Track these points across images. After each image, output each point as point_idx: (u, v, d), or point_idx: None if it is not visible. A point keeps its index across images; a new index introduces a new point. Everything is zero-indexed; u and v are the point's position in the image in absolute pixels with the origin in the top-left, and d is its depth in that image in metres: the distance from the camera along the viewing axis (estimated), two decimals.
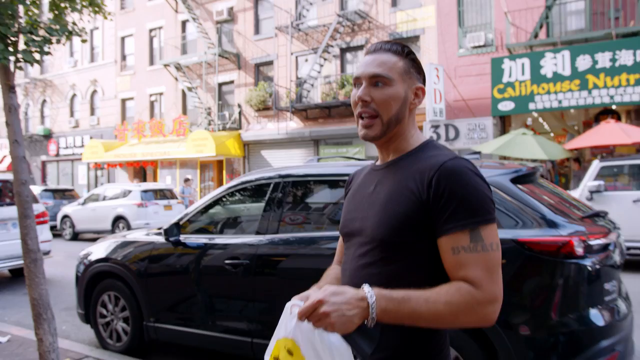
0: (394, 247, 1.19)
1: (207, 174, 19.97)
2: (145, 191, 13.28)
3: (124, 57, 23.56)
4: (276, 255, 3.57)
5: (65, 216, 14.35)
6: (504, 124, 13.93)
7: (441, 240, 1.14)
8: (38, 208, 8.22)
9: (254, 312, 3.60)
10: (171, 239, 3.95)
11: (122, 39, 23.45)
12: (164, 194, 13.84)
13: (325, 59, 16.62)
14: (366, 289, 1.08)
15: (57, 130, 26.36)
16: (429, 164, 1.18)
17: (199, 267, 3.91)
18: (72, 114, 25.91)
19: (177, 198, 14.10)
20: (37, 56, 3.62)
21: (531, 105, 12.11)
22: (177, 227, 4.01)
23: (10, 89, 3.58)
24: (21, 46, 3.60)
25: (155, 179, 21.40)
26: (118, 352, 4.41)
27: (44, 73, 27.06)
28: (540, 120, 14.42)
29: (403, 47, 1.28)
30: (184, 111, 20.75)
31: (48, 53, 3.73)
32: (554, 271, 2.73)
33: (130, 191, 13.40)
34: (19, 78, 28.11)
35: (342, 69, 16.96)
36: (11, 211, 7.78)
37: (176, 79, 20.56)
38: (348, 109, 16.54)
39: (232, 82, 19.32)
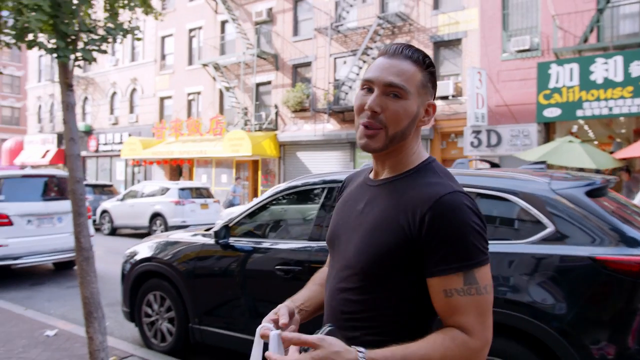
0: (374, 277, 1.12)
1: (242, 173, 20.09)
2: (182, 189, 13.41)
3: (163, 57, 23.96)
4: None
5: (105, 211, 14.63)
6: (548, 130, 13.50)
7: (432, 281, 1.08)
8: None
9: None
10: (220, 241, 3.90)
11: (162, 38, 23.87)
12: (200, 193, 13.96)
13: (364, 61, 16.48)
14: (358, 349, 1.00)
15: (97, 126, 27.02)
16: (423, 196, 1.09)
17: (247, 271, 3.84)
18: (112, 112, 26.51)
19: (213, 197, 14.19)
20: (95, 55, 3.64)
21: (579, 112, 11.68)
22: (226, 230, 3.96)
23: (68, 87, 3.59)
24: (78, 44, 3.62)
25: (191, 177, 21.67)
26: (162, 352, 4.40)
27: (86, 71, 27.79)
28: (586, 127, 13.92)
29: (424, 58, 1.17)
30: (221, 111, 20.94)
31: (105, 52, 3.74)
32: (634, 293, 2.54)
33: (168, 189, 13.56)
34: None
35: None
36: (57, 206, 7.94)
37: (214, 78, 20.76)
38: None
39: (269, 82, 19.39)
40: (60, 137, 29.33)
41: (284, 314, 1.20)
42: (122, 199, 14.51)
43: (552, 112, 12.09)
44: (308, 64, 18.40)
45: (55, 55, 3.37)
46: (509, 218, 3.04)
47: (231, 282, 3.97)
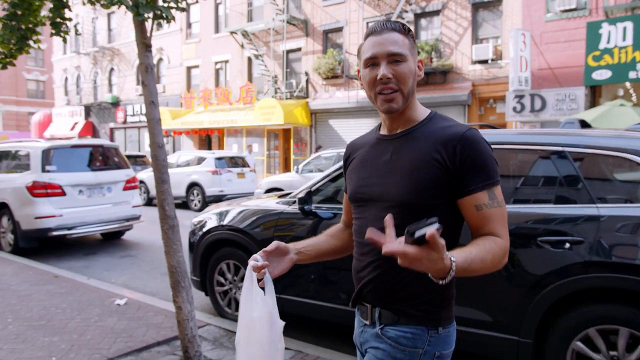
0: (417, 209, 1.30)
1: (272, 142, 19.94)
2: (219, 159, 13.33)
3: (189, 25, 23.63)
4: None
5: (141, 182, 14.66)
6: (594, 94, 12.97)
7: (465, 200, 1.30)
8: (129, 173, 8.33)
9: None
10: (306, 207, 3.76)
11: (188, 6, 23.44)
12: (236, 162, 13.86)
13: None
14: (453, 259, 1.12)
15: (124, 98, 27.02)
16: (450, 134, 1.31)
17: None
18: (138, 82, 26.41)
19: (249, 166, 14.09)
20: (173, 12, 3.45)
21: (632, 74, 11.16)
22: (309, 196, 3.81)
23: (146, 47, 3.42)
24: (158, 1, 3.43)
25: (220, 147, 21.60)
26: (235, 320, 4.34)
27: (111, 42, 27.63)
28: (631, 91, 13.35)
29: (404, 26, 1.38)
30: (250, 79, 20.67)
31: (184, 9, 3.55)
32: None
33: (204, 158, 13.49)
34: (88, 47, 28.88)
35: (417, 36, 16.26)
36: (106, 176, 7.90)
37: (242, 46, 20.43)
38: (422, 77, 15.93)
39: (299, 49, 18.99)
40: (87, 109, 29.46)
41: (270, 246, 1.45)
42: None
43: (601, 75, 11.59)
44: (339, 29, 17.93)
45: (135, 12, 3.19)
46: (633, 180, 2.82)
47: None
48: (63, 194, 7.35)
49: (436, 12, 15.92)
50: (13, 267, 6.51)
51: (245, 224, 4.25)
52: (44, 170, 7.33)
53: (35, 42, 3.82)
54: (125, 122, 26.74)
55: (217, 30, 22.08)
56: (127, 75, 26.79)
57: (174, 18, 3.42)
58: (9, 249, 7.57)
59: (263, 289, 1.42)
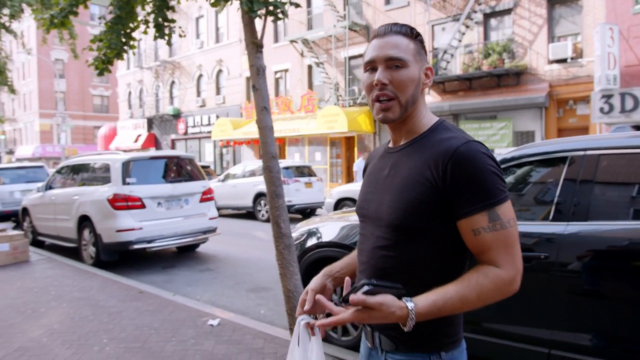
0: (409, 231, 1.22)
1: (334, 151, 19.62)
2: (286, 168, 13.09)
3: None
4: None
5: None
6: None
7: (461, 223, 1.18)
8: (205, 184, 8.16)
9: (555, 315, 2.86)
10: None
11: None
12: (302, 171, 13.60)
13: (467, 26, 15.30)
14: (410, 306, 1.09)
15: (185, 109, 27.55)
16: (442, 150, 1.19)
17: None
18: (198, 94, 26.88)
19: (315, 175, 13.79)
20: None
21: None
22: None
23: (257, 47, 3.11)
24: None
25: (281, 156, 21.51)
26: (344, 347, 3.93)
27: (172, 55, 28.30)
28: None
29: (411, 29, 1.29)
30: (310, 87, 20.48)
31: (298, 5, 3.21)
32: None
33: None
34: (150, 61, 29.72)
35: (486, 37, 15.53)
36: (183, 187, 7.76)
37: (302, 54, 20.29)
38: (492, 79, 15.18)
39: (361, 55, 18.59)
40: (150, 121, 30.27)
41: (309, 300, 1.33)
42: (223, 180, 14.47)
43: None
44: None
45: (248, 8, 2.88)
46: None
47: None
48: (143, 206, 7.24)
49: (507, 11, 15.14)
50: (97, 281, 6.41)
51: (352, 240, 3.86)
52: (124, 183, 7.25)
53: (131, 47, 3.63)
54: (186, 133, 27.23)
55: (276, 39, 22.08)
56: (188, 88, 27.30)
57: (286, 15, 3.09)
58: (91, 262, 7.54)
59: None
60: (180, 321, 4.69)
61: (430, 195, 1.18)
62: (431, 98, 16.42)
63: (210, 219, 8.06)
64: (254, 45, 3.07)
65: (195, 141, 27.06)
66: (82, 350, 4.02)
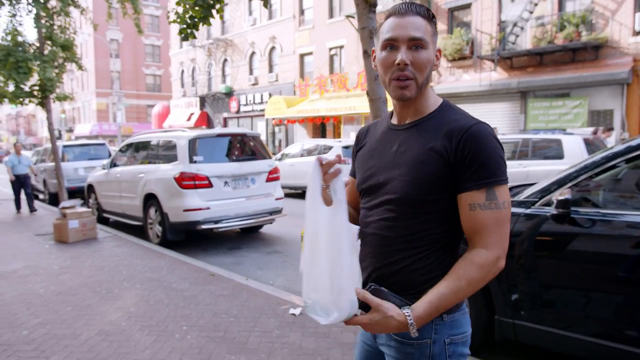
0: (419, 203, 1.27)
1: None
2: (346, 147, 12.69)
3: (302, 12, 23.29)
4: None
5: None
6: None
7: (460, 197, 1.24)
8: (271, 163, 7.86)
9: None
10: (559, 211, 2.86)
11: None
12: None
13: None
14: (406, 313, 1.18)
15: (237, 88, 27.48)
16: (454, 128, 1.25)
17: (600, 252, 2.79)
18: (251, 72, 26.71)
19: None
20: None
21: None
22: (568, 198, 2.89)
23: (370, 7, 2.68)
24: None
25: (335, 135, 21.09)
26: None
27: (225, 33, 28.19)
28: None
29: (428, 11, 1.31)
30: None
31: None
32: None
33: (330, 147, 12.94)
34: (202, 39, 29.75)
35: (560, 8, 14.42)
36: (250, 166, 7.49)
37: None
38: (566, 54, 14.13)
39: None
40: (202, 100, 30.46)
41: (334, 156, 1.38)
42: (279, 159, 14.22)
43: None
44: (467, 6, 16.46)
45: None
46: None
47: (569, 266, 2.93)
48: (210, 185, 7.02)
49: None
50: (166, 261, 6.26)
51: None
52: (191, 161, 7.04)
53: (218, 11, 3.29)
54: (238, 111, 27.21)
55: (331, 15, 21.48)
56: (240, 66, 27.17)
57: None
58: (157, 241, 7.43)
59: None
60: (258, 309, 4.42)
61: (442, 169, 1.24)
62: (497, 75, 15.49)
63: (277, 199, 7.78)
64: (366, 4, 2.65)
65: (247, 119, 27.01)
66: (163, 337, 3.80)
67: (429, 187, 1.26)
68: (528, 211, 3.13)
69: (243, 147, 7.76)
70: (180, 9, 2.92)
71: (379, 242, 1.35)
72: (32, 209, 11.14)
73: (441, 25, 17.11)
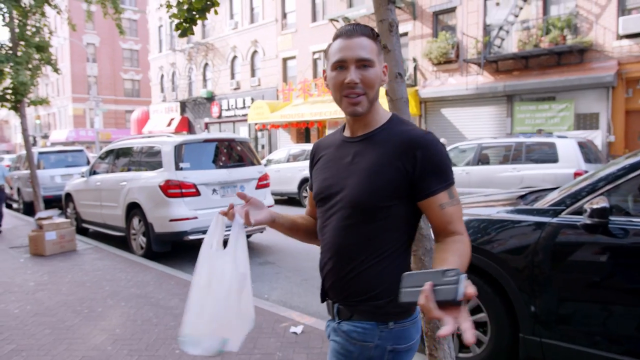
0: (373, 209, 1.36)
1: None
2: None
3: (284, 16, 23.01)
4: None
5: None
6: None
7: (429, 201, 1.34)
8: (261, 170, 7.55)
9: None
10: (595, 220, 2.62)
11: None
12: None
13: (525, 0, 14.21)
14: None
15: (218, 92, 27.04)
16: (408, 139, 1.35)
17: None
18: (232, 76, 26.31)
19: None
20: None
21: None
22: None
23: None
24: None
25: None
26: None
27: (205, 37, 27.74)
28: None
29: (372, 30, 1.40)
30: None
31: None
32: None
33: None
34: (183, 43, 29.23)
35: (545, 12, 14.43)
36: (239, 173, 7.16)
37: None
38: (552, 58, 14.14)
39: (405, 34, 17.63)
40: (183, 105, 29.91)
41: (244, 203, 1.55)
42: (265, 165, 13.89)
43: None
44: (452, 10, 16.38)
45: None
46: None
47: (604, 279, 2.70)
48: (197, 193, 6.67)
49: None
50: (152, 275, 5.89)
51: (482, 239, 3.17)
52: (177, 168, 6.68)
53: (214, 4, 2.99)
54: (220, 116, 26.75)
55: (314, 19, 21.26)
56: (222, 70, 26.75)
57: None
58: (141, 253, 7.04)
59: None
60: (257, 327, 4.08)
61: (398, 179, 1.33)
62: (483, 78, 15.43)
63: (268, 207, 7.43)
64: None
65: (229, 124, 26.56)
66: None
67: (383, 194, 1.34)
68: (555, 220, 2.89)
69: (231, 153, 7.43)
70: (173, 1, 2.65)
71: (335, 249, 1.42)
72: None
73: (426, 29, 17.02)
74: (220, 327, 1.35)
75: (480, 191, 8.81)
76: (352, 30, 1.38)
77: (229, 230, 1.44)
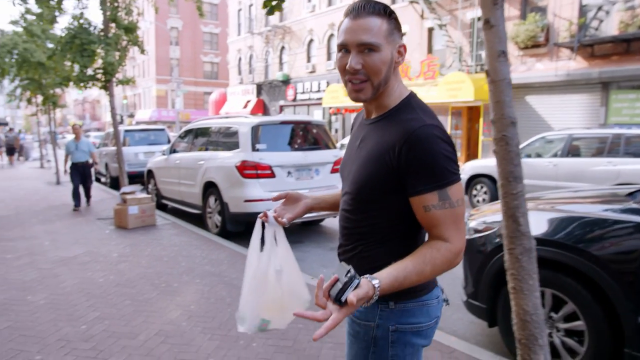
0: (365, 201, 1.34)
1: (454, 121, 18.12)
2: None
3: None
4: None
5: None
6: None
7: (413, 200, 1.26)
8: (336, 154, 7.43)
9: None
10: None
11: None
12: None
13: None
14: (375, 284, 1.14)
15: (294, 75, 27.19)
16: (399, 132, 1.26)
17: None
18: (308, 60, 26.32)
19: None
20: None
21: None
22: None
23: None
24: None
25: None
26: None
27: (283, 20, 27.90)
28: None
29: (385, 8, 1.30)
30: (430, 52, 18.97)
31: None
32: None
33: None
34: (261, 26, 29.60)
35: None
36: (315, 156, 7.06)
37: (422, 16, 18.80)
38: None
39: None
40: (259, 87, 30.41)
41: (280, 194, 1.65)
42: (340, 148, 13.75)
43: None
44: None
45: None
46: None
47: None
48: (272, 175, 6.66)
49: None
50: (226, 254, 5.97)
51: (583, 240, 2.85)
52: (254, 149, 6.70)
53: None
54: (295, 99, 26.93)
55: (394, 0, 20.69)
56: (298, 53, 26.84)
57: None
58: (216, 231, 7.18)
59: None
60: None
61: (384, 173, 1.27)
62: (575, 64, 14.31)
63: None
64: None
65: (304, 108, 26.69)
66: (227, 343, 3.45)
67: (371, 187, 1.30)
68: None
69: (307, 136, 7.35)
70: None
71: (342, 231, 1.45)
72: (88, 202, 9.86)
73: (513, 11, 16.01)
74: (261, 310, 1.52)
75: (568, 185, 8.18)
76: (360, 9, 1.29)
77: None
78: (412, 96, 1.36)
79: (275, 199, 1.62)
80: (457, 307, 4.22)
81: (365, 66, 1.27)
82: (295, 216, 1.59)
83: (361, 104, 1.42)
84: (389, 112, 1.35)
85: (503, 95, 2.17)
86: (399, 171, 1.25)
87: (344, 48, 1.31)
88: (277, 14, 27.54)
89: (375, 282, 1.15)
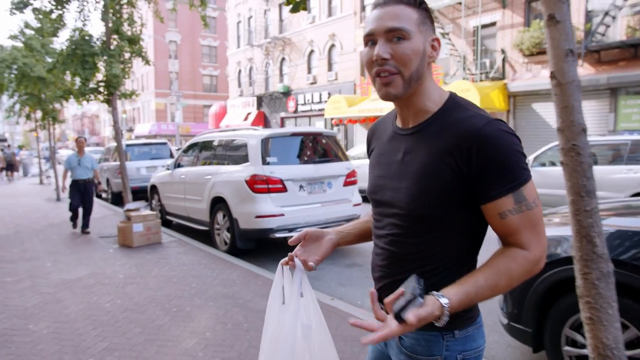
0: (428, 219, 1.18)
1: None
2: None
3: (363, 8, 22.50)
4: None
5: None
6: None
7: (487, 207, 1.13)
8: (349, 166, 7.17)
9: None
10: None
11: None
12: None
13: None
14: (444, 302, 1.04)
15: (295, 87, 27.03)
16: (463, 132, 1.12)
17: None
18: (309, 71, 26.19)
19: None
20: None
21: None
22: None
23: None
24: None
25: None
26: None
27: (283, 32, 27.82)
28: None
29: None
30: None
31: None
32: None
33: None
34: (260, 38, 29.51)
35: None
36: (327, 169, 6.81)
37: None
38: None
39: (493, 24, 16.58)
40: (259, 99, 30.24)
41: (297, 235, 1.43)
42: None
43: None
44: None
45: None
46: None
47: None
48: (284, 189, 6.40)
49: None
50: (238, 273, 5.68)
51: (630, 253, 2.59)
52: (264, 162, 6.44)
53: None
54: (296, 111, 26.74)
55: None
56: (298, 65, 26.70)
57: None
58: (224, 248, 6.89)
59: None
60: (354, 339, 3.71)
61: (452, 183, 1.13)
62: (583, 70, 14.13)
63: (355, 205, 7.06)
64: None
65: (305, 119, 26.49)
66: None
67: (438, 200, 1.16)
68: None
69: (318, 148, 7.09)
70: None
71: (389, 258, 1.28)
72: (84, 229, 8.40)
73: (517, 18, 15.87)
74: None
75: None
76: None
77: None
78: (455, 95, 1.24)
79: (293, 242, 1.42)
80: (490, 328, 3.94)
81: (394, 56, 1.14)
82: (322, 258, 1.42)
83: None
84: (435, 115, 1.20)
85: (572, 100, 1.91)
86: (469, 177, 1.11)
87: (370, 39, 1.18)
88: (276, 25, 27.40)
89: (444, 300, 1.04)
